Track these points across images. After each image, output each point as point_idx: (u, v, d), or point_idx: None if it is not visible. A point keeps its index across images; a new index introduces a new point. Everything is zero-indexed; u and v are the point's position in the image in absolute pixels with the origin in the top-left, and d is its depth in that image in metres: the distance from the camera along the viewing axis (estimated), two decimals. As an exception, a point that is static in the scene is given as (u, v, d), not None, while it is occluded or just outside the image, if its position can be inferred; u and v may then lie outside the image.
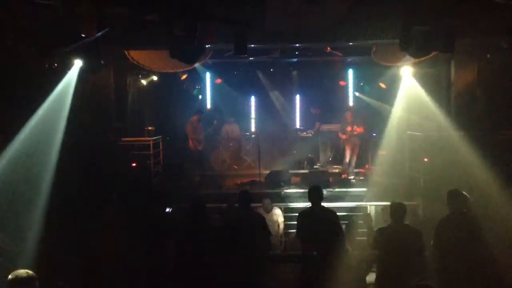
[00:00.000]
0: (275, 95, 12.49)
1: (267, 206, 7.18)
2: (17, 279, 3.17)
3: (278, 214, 7.30)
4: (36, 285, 3.20)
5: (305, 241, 5.17)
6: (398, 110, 9.10)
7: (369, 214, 6.05)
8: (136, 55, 8.33)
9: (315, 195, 5.18)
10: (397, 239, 4.76)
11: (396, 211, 4.89)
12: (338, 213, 5.32)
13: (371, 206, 7.59)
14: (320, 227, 4.99)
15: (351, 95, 12.28)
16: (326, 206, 5.29)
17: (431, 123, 8.33)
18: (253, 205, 5.86)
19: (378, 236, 4.92)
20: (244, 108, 12.66)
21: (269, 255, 5.48)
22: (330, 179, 9.23)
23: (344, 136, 9.93)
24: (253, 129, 12.29)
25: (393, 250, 4.73)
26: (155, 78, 10.41)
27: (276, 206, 7.46)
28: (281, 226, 7.18)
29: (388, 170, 8.87)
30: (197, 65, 8.80)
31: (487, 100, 8.02)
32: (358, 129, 9.84)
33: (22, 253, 5.13)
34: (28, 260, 4.98)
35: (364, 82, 11.97)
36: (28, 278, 3.20)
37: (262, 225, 5.29)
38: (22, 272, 3.21)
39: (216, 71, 12.08)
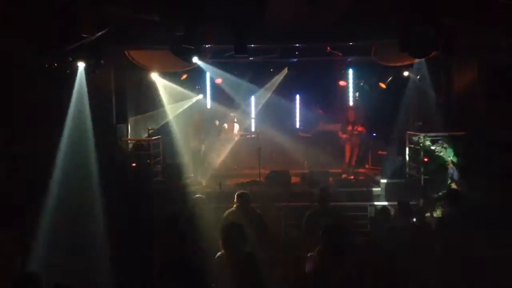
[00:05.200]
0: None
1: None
2: (21, 280, 3.20)
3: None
4: (40, 286, 3.22)
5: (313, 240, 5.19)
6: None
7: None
8: (136, 55, 8.34)
9: (323, 196, 5.35)
10: None
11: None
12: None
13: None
14: (327, 227, 5.00)
15: (351, 95, 12.28)
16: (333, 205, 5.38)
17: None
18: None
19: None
20: (244, 108, 12.64)
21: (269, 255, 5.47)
22: (330, 179, 9.23)
23: (344, 136, 9.92)
24: (253, 129, 12.28)
25: None
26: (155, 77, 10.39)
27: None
28: None
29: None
30: (197, 65, 8.80)
31: (487, 100, 8.03)
32: (359, 129, 9.83)
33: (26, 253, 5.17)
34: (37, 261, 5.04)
35: (364, 82, 11.97)
36: (31, 279, 3.22)
37: (261, 224, 5.29)
38: (26, 272, 3.24)
39: (216, 71, 12.07)
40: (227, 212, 5.50)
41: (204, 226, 5.24)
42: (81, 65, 6.61)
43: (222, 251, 4.03)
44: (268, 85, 11.90)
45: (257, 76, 12.16)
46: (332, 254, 4.16)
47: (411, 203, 6.72)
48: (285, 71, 11.66)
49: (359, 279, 4.07)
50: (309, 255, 4.41)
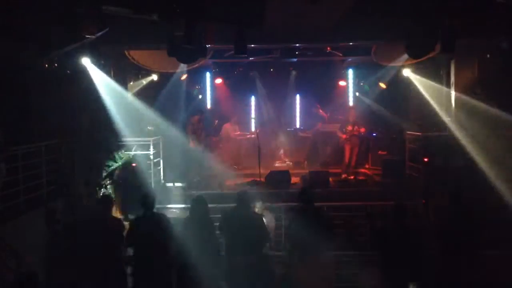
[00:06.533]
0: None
1: (258, 209, 7.09)
2: (20, 279, 3.22)
3: (268, 220, 7.26)
4: (36, 285, 3.23)
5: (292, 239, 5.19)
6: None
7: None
8: (136, 55, 8.34)
9: (304, 196, 5.26)
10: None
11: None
12: (338, 213, 5.33)
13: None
14: (307, 227, 4.98)
15: (351, 95, 12.28)
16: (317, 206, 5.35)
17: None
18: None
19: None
20: (244, 108, 12.66)
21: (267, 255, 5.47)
22: (330, 179, 9.23)
23: (343, 136, 9.90)
24: (253, 129, 12.28)
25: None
26: (155, 78, 10.40)
27: (268, 209, 7.42)
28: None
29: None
30: (197, 65, 8.80)
31: (487, 100, 8.03)
32: (360, 130, 9.82)
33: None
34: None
35: (364, 82, 11.97)
36: (28, 278, 3.23)
37: (259, 224, 5.28)
38: (24, 271, 3.25)
39: (216, 71, 12.11)
40: (226, 211, 5.50)
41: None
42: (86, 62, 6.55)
43: None
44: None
45: (257, 76, 12.19)
46: None
47: (409, 203, 6.74)
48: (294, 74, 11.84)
49: None
50: None
